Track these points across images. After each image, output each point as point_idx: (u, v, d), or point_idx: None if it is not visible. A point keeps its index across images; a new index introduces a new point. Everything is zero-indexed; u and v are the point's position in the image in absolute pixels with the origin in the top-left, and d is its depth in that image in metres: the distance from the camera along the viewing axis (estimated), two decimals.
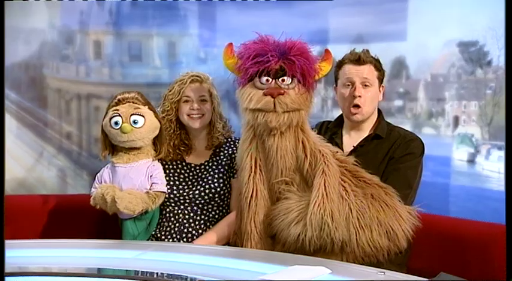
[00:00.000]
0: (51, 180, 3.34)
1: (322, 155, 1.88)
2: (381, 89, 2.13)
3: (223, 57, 1.91)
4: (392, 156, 2.05)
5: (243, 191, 1.94)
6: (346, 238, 1.81)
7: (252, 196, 1.92)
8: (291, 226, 1.82)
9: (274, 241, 1.93)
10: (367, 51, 2.12)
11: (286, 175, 1.89)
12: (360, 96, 2.06)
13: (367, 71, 2.08)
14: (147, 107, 2.08)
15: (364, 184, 1.91)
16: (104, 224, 2.25)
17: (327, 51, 1.93)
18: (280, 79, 1.83)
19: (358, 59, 2.08)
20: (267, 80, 1.83)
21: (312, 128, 1.99)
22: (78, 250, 1.90)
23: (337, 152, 1.97)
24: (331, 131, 2.18)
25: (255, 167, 1.91)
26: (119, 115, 2.02)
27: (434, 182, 2.73)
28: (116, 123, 2.02)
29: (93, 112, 3.28)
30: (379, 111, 2.18)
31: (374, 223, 1.84)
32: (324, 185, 1.83)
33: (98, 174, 2.14)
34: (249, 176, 1.92)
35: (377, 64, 2.11)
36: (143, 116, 2.03)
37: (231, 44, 1.91)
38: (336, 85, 2.17)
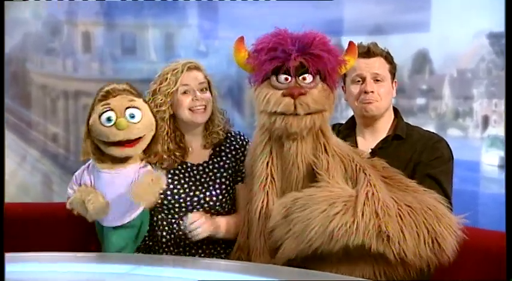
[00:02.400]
0: (35, 187, 3.34)
1: (352, 158, 1.85)
2: (393, 84, 2.12)
3: (233, 52, 1.86)
4: (419, 160, 2.03)
5: (252, 201, 1.90)
6: (395, 236, 1.74)
7: (262, 208, 1.87)
8: (333, 218, 1.71)
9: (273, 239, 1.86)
10: (375, 43, 2.11)
11: (305, 183, 1.84)
12: (372, 91, 2.05)
13: (378, 65, 2.07)
14: (141, 99, 1.96)
15: (404, 187, 1.87)
16: (93, 235, 2.25)
17: (351, 43, 1.90)
18: (301, 77, 1.79)
19: (367, 52, 2.06)
20: (286, 79, 1.78)
21: None
22: (65, 264, 1.88)
23: (362, 154, 1.95)
24: (343, 134, 2.15)
25: (270, 175, 1.87)
26: (111, 109, 1.88)
27: (462, 190, 2.70)
28: (109, 119, 1.87)
29: (82, 111, 3.27)
30: (396, 110, 2.17)
31: (422, 226, 1.77)
32: (369, 180, 1.79)
33: (77, 173, 2.05)
34: (261, 184, 1.87)
35: (388, 56, 2.10)
36: (140, 109, 1.90)
37: (243, 37, 1.86)
38: (344, 83, 2.14)
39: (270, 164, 1.87)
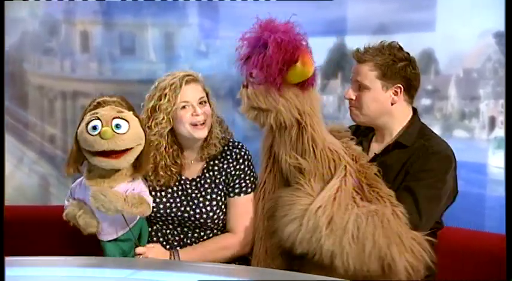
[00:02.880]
0: (32, 189, 3.35)
1: (340, 159, 1.91)
2: (390, 90, 2.03)
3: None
4: (408, 171, 1.99)
5: (255, 196, 2.10)
6: (336, 250, 1.81)
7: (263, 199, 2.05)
8: (288, 223, 1.87)
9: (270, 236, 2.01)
10: (370, 47, 2.05)
11: (292, 173, 1.95)
12: (351, 99, 2.07)
13: (363, 72, 2.03)
14: (131, 112, 1.95)
15: (377, 196, 1.90)
16: (91, 239, 2.25)
17: (303, 51, 1.81)
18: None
19: (356, 56, 2.06)
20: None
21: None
22: (63, 268, 1.89)
23: (363, 157, 1.99)
24: (363, 133, 2.17)
25: (272, 166, 2.02)
26: (98, 118, 1.88)
27: (468, 192, 2.69)
28: (94, 128, 1.86)
29: (80, 112, 3.27)
30: (415, 114, 2.11)
31: (368, 242, 1.81)
32: (338, 189, 1.86)
33: (73, 185, 2.09)
34: (265, 173, 2.05)
35: (379, 62, 2.02)
36: (127, 121, 1.90)
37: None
38: None
39: (271, 155, 2.01)
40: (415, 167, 1.99)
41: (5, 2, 1.73)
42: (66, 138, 3.33)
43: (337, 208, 1.83)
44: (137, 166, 1.97)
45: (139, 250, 2.02)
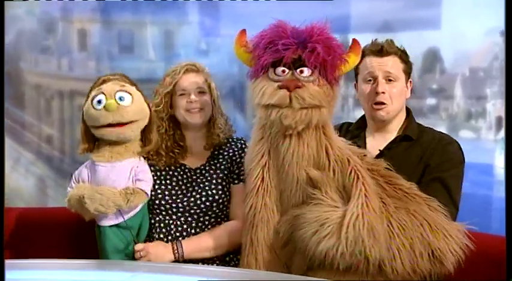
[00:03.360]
0: (29, 190, 3.34)
1: (349, 162, 1.85)
2: (408, 84, 2.12)
3: (234, 45, 1.89)
4: (428, 163, 2.02)
5: (245, 201, 1.93)
6: (385, 257, 1.77)
7: (255, 209, 1.90)
8: (321, 241, 1.77)
9: (285, 252, 1.90)
10: (391, 41, 2.11)
11: (302, 185, 1.85)
12: (383, 92, 2.05)
13: (391, 64, 2.06)
14: (134, 87, 2.04)
15: (402, 193, 1.88)
16: (89, 241, 2.25)
17: (354, 41, 1.89)
18: (298, 70, 1.80)
19: (380, 50, 2.06)
20: (283, 71, 1.80)
21: None
22: (60, 271, 1.89)
23: (365, 155, 1.94)
24: (353, 133, 2.16)
25: (263, 175, 1.88)
26: (102, 93, 1.97)
27: (474, 194, 2.70)
28: (99, 102, 1.95)
29: (77, 112, 3.25)
30: (408, 110, 2.17)
31: (417, 243, 1.80)
32: (365, 194, 1.79)
33: (76, 172, 2.10)
34: (255, 186, 1.89)
35: (403, 55, 2.09)
36: (130, 94, 1.98)
37: (245, 30, 1.89)
38: (356, 81, 2.16)
39: (266, 163, 1.88)
40: (436, 159, 2.02)
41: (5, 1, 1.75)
42: (64, 139, 3.34)
43: (373, 214, 1.77)
44: (144, 140, 2.06)
45: (138, 247, 2.02)
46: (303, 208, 1.85)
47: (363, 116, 2.21)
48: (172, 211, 2.12)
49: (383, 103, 2.06)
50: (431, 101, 2.98)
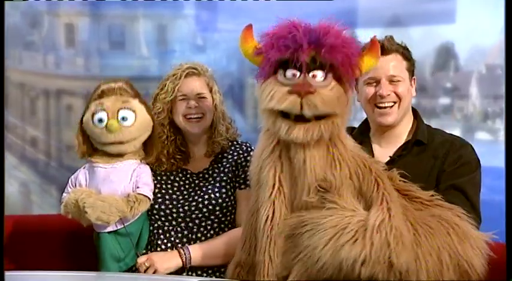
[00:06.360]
0: (12, 197, 3.34)
1: (367, 166, 1.81)
2: (412, 82, 2.11)
3: (240, 42, 1.82)
4: (443, 169, 2.02)
5: (259, 212, 1.86)
6: (411, 266, 1.71)
7: (268, 219, 1.83)
8: (341, 247, 1.69)
9: (282, 260, 1.85)
10: (391, 37, 2.09)
11: (314, 193, 1.80)
12: (388, 95, 2.04)
13: (395, 63, 2.05)
14: (137, 99, 2.06)
15: (422, 205, 1.84)
16: (78, 250, 2.26)
17: (373, 41, 1.80)
18: (311, 74, 1.73)
19: (381, 48, 2.05)
20: (294, 75, 1.73)
21: None
22: None
23: (377, 162, 1.89)
24: (357, 139, 2.11)
25: (278, 184, 1.83)
26: (104, 110, 2.00)
27: (491, 200, 2.69)
28: (100, 120, 1.99)
29: (65, 112, 3.28)
30: (415, 111, 2.16)
31: (445, 252, 1.76)
32: (388, 199, 1.75)
33: (73, 176, 2.12)
34: (270, 195, 1.83)
35: (405, 52, 2.08)
36: (134, 111, 2.02)
37: (251, 25, 1.81)
38: (356, 83, 2.08)
39: (278, 171, 1.83)
40: (450, 163, 2.02)
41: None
42: (50, 141, 3.34)
43: (398, 218, 1.73)
44: (147, 150, 2.11)
45: (140, 260, 2.04)
46: (312, 213, 1.78)
47: (366, 120, 2.19)
48: (172, 216, 2.15)
49: (388, 107, 2.05)
50: (444, 100, 2.98)
